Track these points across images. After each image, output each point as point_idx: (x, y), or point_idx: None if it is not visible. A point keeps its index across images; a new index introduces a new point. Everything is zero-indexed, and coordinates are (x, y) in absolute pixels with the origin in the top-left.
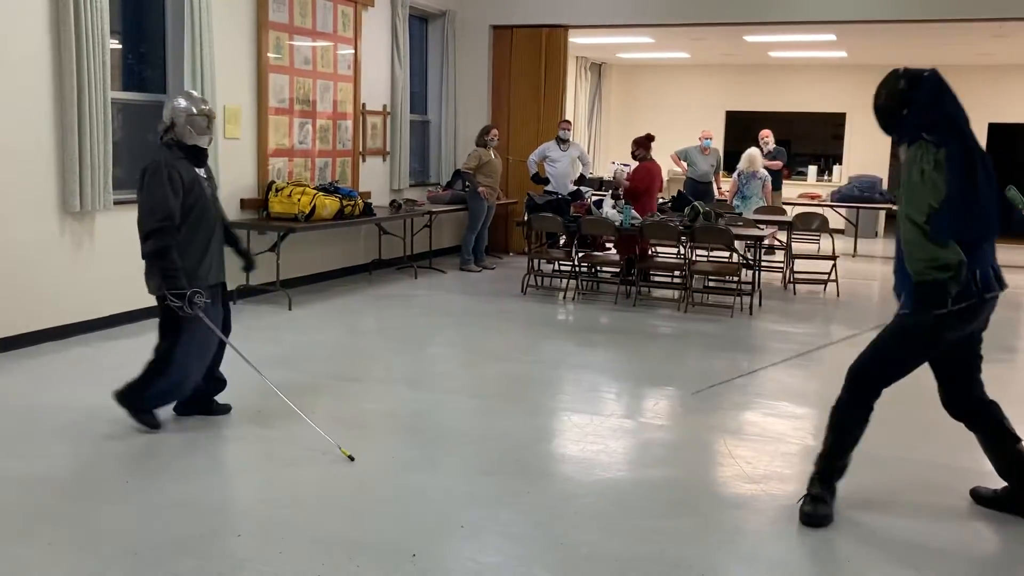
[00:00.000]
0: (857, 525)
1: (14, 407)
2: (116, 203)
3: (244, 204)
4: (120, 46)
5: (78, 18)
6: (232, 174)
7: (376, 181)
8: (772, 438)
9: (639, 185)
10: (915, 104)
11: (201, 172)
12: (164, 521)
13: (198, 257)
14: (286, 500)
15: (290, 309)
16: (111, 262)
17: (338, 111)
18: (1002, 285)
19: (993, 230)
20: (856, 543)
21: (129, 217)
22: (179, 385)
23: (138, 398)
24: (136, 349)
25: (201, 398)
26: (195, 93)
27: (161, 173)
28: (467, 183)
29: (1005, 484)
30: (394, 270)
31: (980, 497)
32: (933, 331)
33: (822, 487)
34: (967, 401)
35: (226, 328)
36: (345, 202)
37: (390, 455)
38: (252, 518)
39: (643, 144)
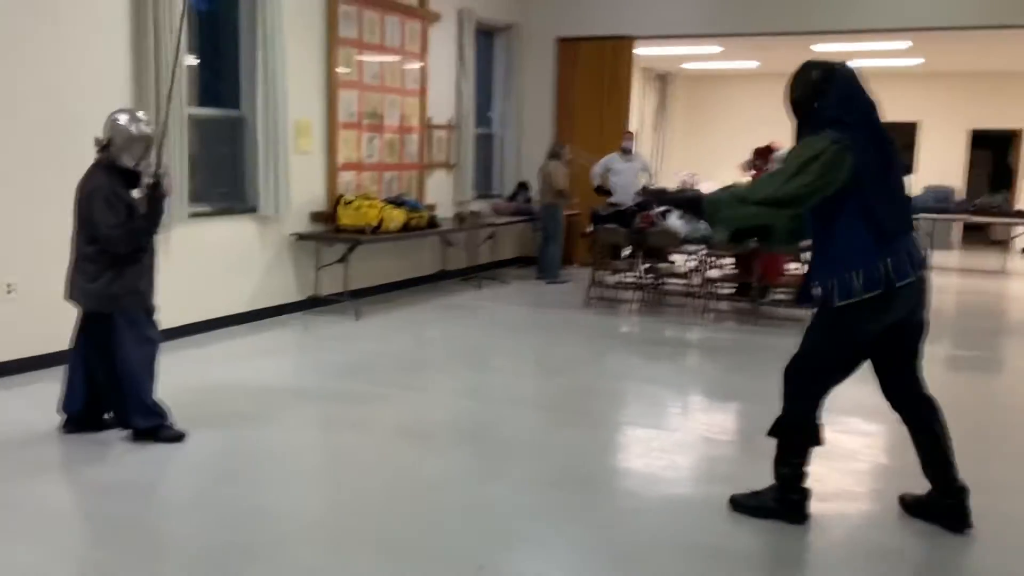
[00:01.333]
0: (925, 551)
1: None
2: (191, 216)
3: (314, 217)
4: (196, 62)
5: (157, 36)
6: (302, 187)
7: (441, 193)
8: (842, 455)
9: None
10: (827, 97)
11: (135, 193)
12: (235, 528)
13: (142, 277)
14: (353, 509)
15: (357, 319)
16: (185, 275)
17: (405, 125)
18: (920, 267)
19: (900, 221)
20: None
21: (204, 230)
22: (145, 393)
23: (133, 426)
24: (202, 360)
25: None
26: (140, 114)
27: (106, 197)
28: (549, 201)
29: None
30: (458, 281)
31: (907, 505)
32: (841, 322)
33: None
34: (901, 393)
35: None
36: (411, 214)
37: (455, 466)
38: (320, 527)
39: (763, 155)
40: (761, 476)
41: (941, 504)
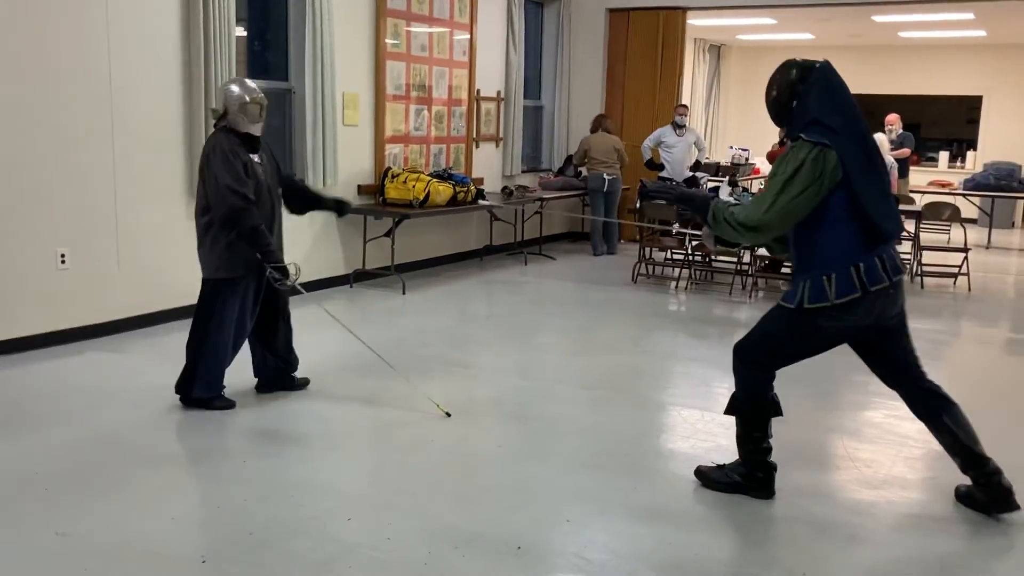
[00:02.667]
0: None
1: (140, 385)
2: None
3: (361, 190)
4: (245, 34)
5: (206, 7)
6: (349, 160)
7: (489, 167)
8: (894, 441)
9: (773, 160)
10: (805, 96)
11: (255, 158)
12: (279, 502)
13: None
14: (396, 485)
15: (404, 293)
16: None
17: (453, 97)
18: (897, 272)
19: (896, 222)
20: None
21: None
22: (222, 362)
23: (197, 389)
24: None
25: (281, 375)
26: (249, 81)
27: (225, 154)
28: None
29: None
30: (504, 256)
31: (960, 496)
32: (804, 321)
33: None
34: (906, 391)
35: (282, 307)
36: (458, 188)
37: (497, 443)
38: (362, 502)
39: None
40: (809, 462)
41: (982, 492)
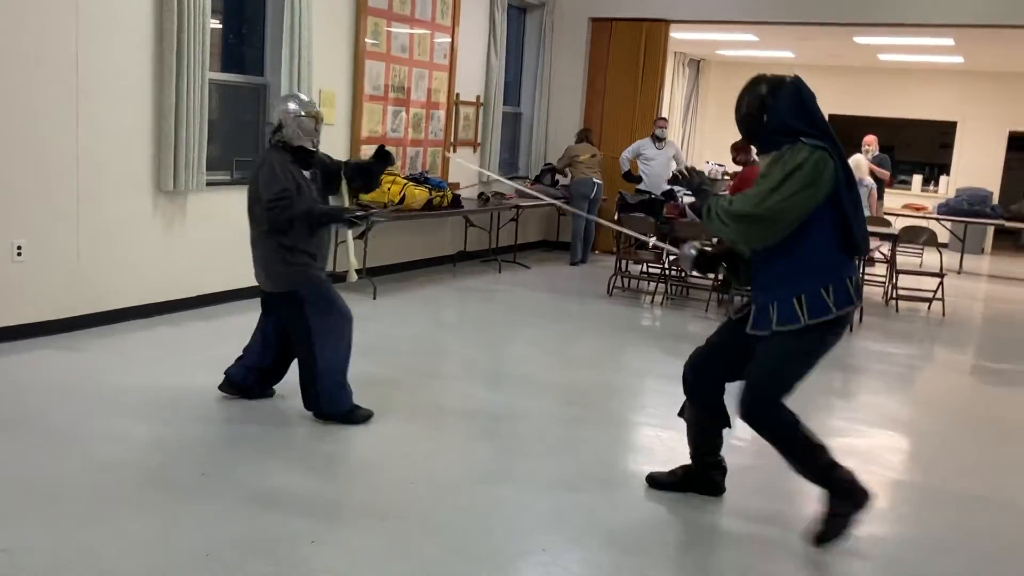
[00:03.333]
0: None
1: (98, 386)
2: (209, 184)
3: None
4: (220, 26)
5: None
6: None
7: (465, 173)
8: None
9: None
10: (775, 110)
11: (307, 174)
12: (239, 520)
13: (313, 251)
14: (364, 506)
15: (374, 298)
16: (200, 244)
17: (432, 100)
18: (860, 295)
19: (866, 237)
20: None
21: (222, 199)
22: (341, 372)
23: (325, 408)
24: (219, 330)
25: (259, 386)
26: (304, 96)
27: (272, 167)
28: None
29: (682, 466)
30: (478, 263)
31: (657, 482)
32: (810, 339)
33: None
34: (716, 383)
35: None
36: (434, 193)
37: (468, 463)
38: (328, 524)
39: (743, 148)
40: (785, 485)
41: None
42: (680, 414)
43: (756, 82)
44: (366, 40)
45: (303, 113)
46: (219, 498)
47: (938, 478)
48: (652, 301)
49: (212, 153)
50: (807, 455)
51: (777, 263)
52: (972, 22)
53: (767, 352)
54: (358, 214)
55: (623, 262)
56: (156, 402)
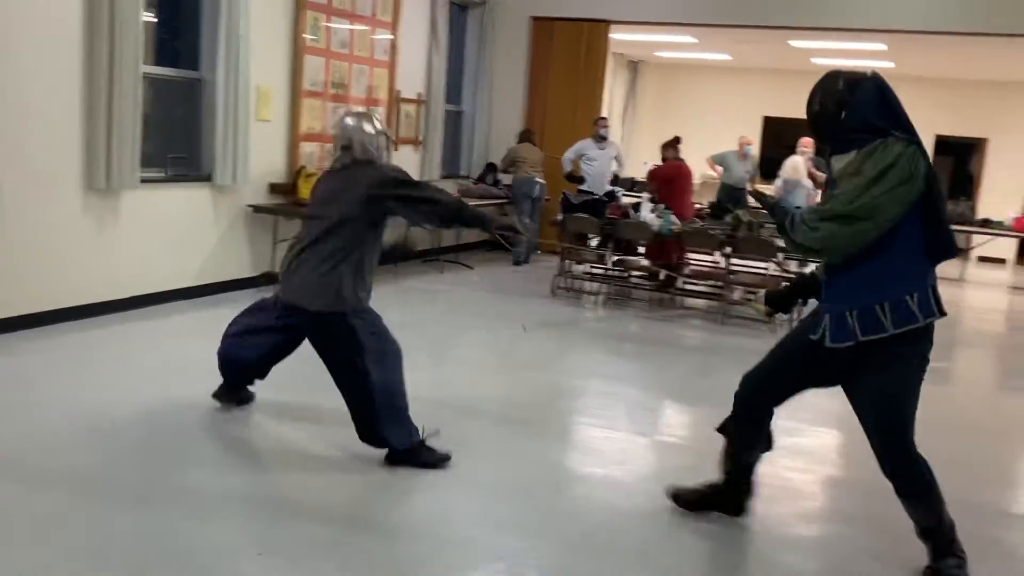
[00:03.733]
0: None
1: (28, 394)
2: (143, 181)
3: (273, 189)
4: (154, 19)
5: None
6: (262, 157)
7: (408, 171)
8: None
9: (658, 178)
10: (856, 108)
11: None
12: (178, 534)
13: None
14: (314, 514)
15: None
16: (135, 243)
17: (372, 97)
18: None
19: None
20: None
21: (156, 197)
22: (398, 397)
23: (387, 442)
24: (153, 333)
25: (235, 384)
26: (376, 117)
27: (383, 167)
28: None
29: (709, 482)
30: (420, 263)
31: (681, 500)
32: (907, 350)
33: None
34: (772, 405)
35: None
36: None
37: (415, 469)
38: (273, 536)
39: (671, 145)
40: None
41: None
42: (719, 430)
43: (832, 78)
44: (305, 35)
45: (379, 130)
46: (155, 509)
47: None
48: (596, 301)
49: (146, 150)
50: (938, 499)
51: (858, 269)
52: (904, 28)
53: (869, 388)
54: (508, 234)
55: (566, 262)
56: (87, 411)
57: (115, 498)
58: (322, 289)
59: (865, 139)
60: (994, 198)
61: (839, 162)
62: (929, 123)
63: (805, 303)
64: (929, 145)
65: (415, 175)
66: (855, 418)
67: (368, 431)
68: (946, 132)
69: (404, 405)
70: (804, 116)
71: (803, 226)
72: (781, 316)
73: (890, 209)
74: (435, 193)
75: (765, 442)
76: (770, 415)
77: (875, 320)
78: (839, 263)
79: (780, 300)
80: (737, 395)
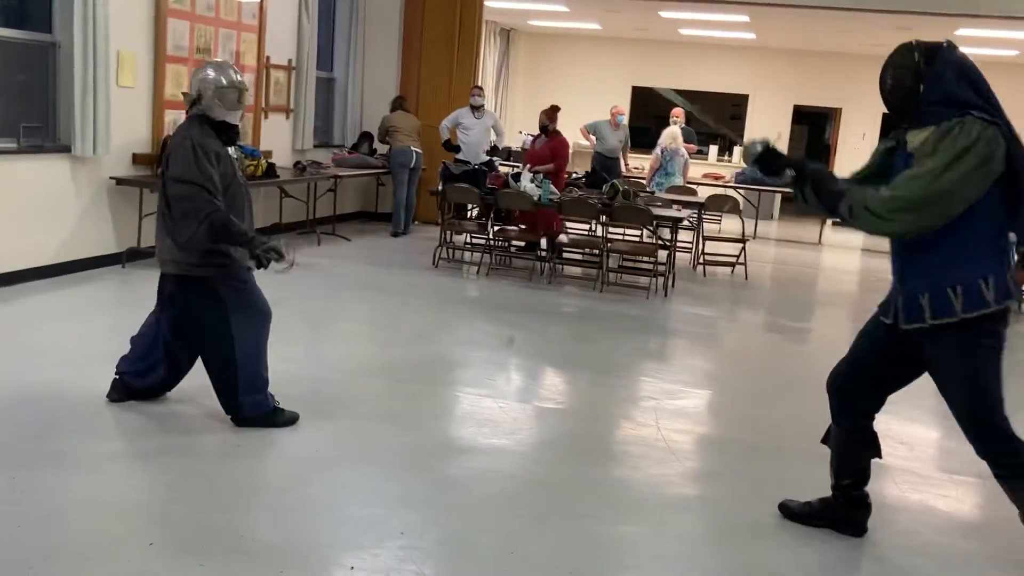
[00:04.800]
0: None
1: None
2: None
3: (136, 159)
4: None
5: None
6: (124, 126)
7: (279, 140)
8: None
9: (563, 161)
10: (935, 81)
11: (231, 151)
12: (68, 524)
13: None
14: (204, 501)
15: None
16: None
17: (240, 63)
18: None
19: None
20: None
21: (8, 169)
22: (258, 369)
23: (244, 408)
24: (7, 316)
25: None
26: (227, 64)
27: (187, 146)
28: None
29: (820, 498)
30: (296, 235)
31: (792, 512)
32: (980, 335)
33: None
34: (866, 403)
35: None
36: (248, 161)
37: (311, 449)
38: (166, 523)
39: (551, 116)
40: (634, 455)
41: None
42: (824, 441)
43: (905, 51)
44: None
45: (224, 83)
46: (40, 500)
47: (761, 434)
48: (478, 272)
49: None
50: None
51: (931, 249)
52: (767, 1)
53: (946, 374)
54: (273, 258)
55: (447, 233)
56: None
57: None
58: (173, 253)
59: (944, 113)
60: (848, 164)
61: (915, 138)
62: (788, 93)
63: (795, 181)
64: (787, 114)
65: (286, 144)
66: (728, 378)
67: (228, 399)
68: (803, 102)
69: (261, 376)
70: (670, 85)
71: (870, 216)
72: (765, 173)
73: (965, 193)
74: (196, 206)
75: (873, 447)
76: (868, 415)
77: (946, 302)
78: (911, 240)
79: (773, 160)
80: (828, 392)
